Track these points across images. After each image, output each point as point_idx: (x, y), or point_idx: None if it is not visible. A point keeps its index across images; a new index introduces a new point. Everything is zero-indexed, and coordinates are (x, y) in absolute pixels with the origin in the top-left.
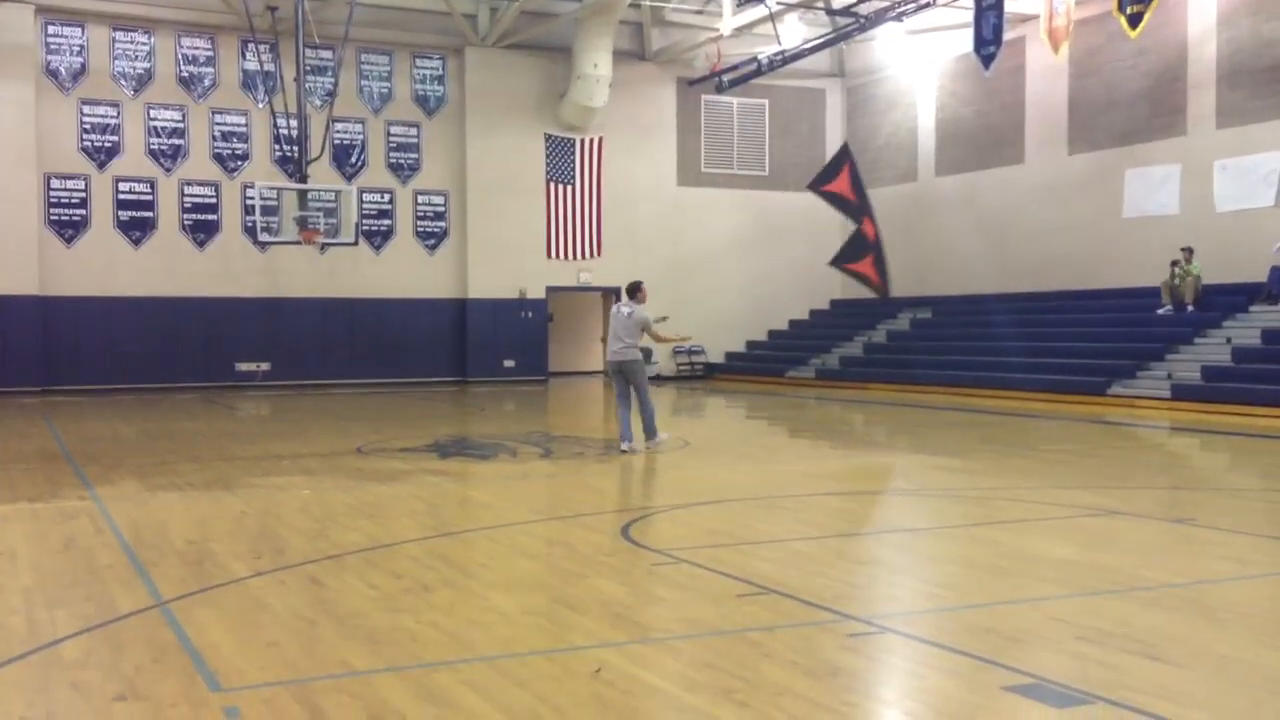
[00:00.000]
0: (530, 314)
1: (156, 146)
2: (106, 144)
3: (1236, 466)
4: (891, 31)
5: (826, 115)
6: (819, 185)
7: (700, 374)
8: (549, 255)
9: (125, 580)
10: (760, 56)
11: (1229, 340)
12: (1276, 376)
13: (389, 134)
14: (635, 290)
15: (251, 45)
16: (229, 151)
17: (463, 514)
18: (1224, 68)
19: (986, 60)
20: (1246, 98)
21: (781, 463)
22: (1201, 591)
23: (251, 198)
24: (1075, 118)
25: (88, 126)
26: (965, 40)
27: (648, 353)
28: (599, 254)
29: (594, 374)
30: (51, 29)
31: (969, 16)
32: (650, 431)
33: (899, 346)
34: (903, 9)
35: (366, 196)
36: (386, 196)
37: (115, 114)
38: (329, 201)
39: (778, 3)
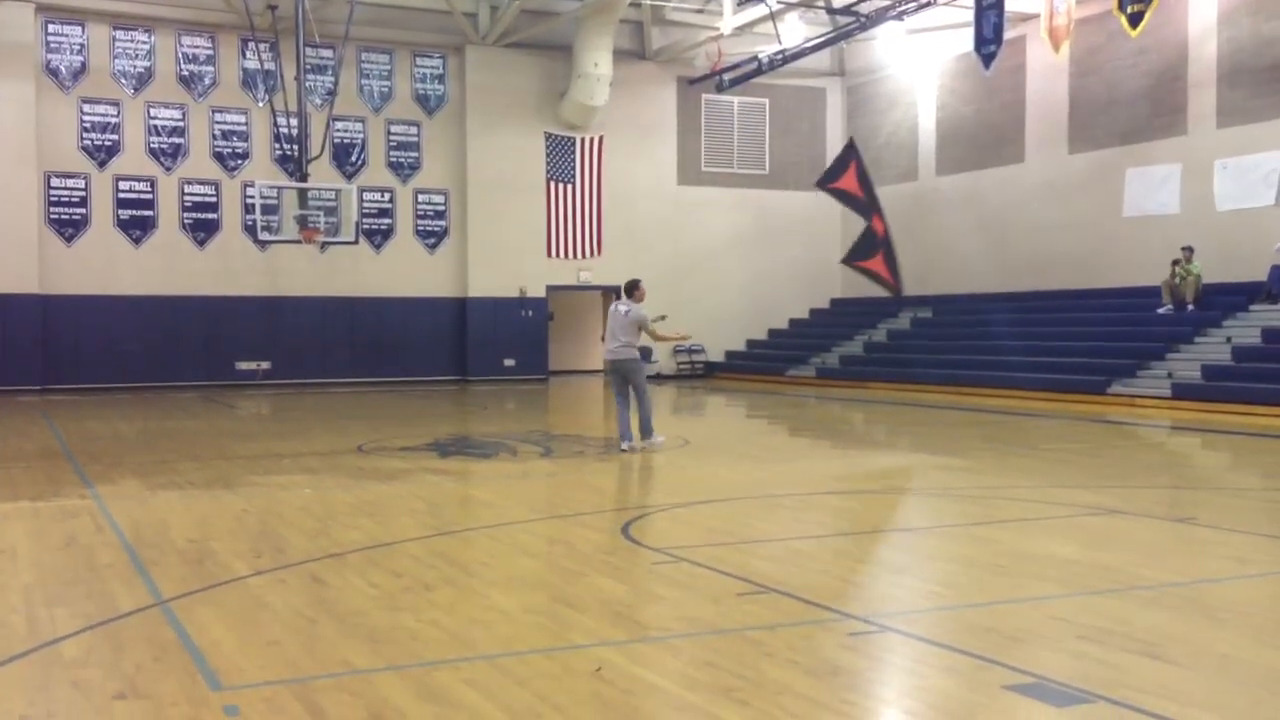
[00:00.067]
0: (530, 313)
1: (157, 145)
2: (107, 143)
3: (1237, 466)
4: (892, 31)
5: (827, 114)
6: (827, 183)
7: (700, 373)
8: (549, 254)
9: (126, 579)
10: (761, 55)
11: (1229, 339)
12: (1277, 375)
13: (389, 133)
14: (633, 289)
15: (252, 44)
16: (229, 150)
17: (463, 513)
18: (1224, 67)
19: (987, 59)
20: (1247, 97)
21: (782, 462)
22: (1202, 590)
23: (252, 196)
24: (1076, 117)
25: (88, 125)
26: (966, 39)
27: (648, 351)
28: (599, 253)
29: (594, 373)
30: (52, 28)
31: (969, 16)
32: (646, 430)
33: (899, 345)
34: (903, 8)
35: (367, 195)
36: (387, 195)
37: (115, 113)
38: (329, 200)
39: (778, 2)
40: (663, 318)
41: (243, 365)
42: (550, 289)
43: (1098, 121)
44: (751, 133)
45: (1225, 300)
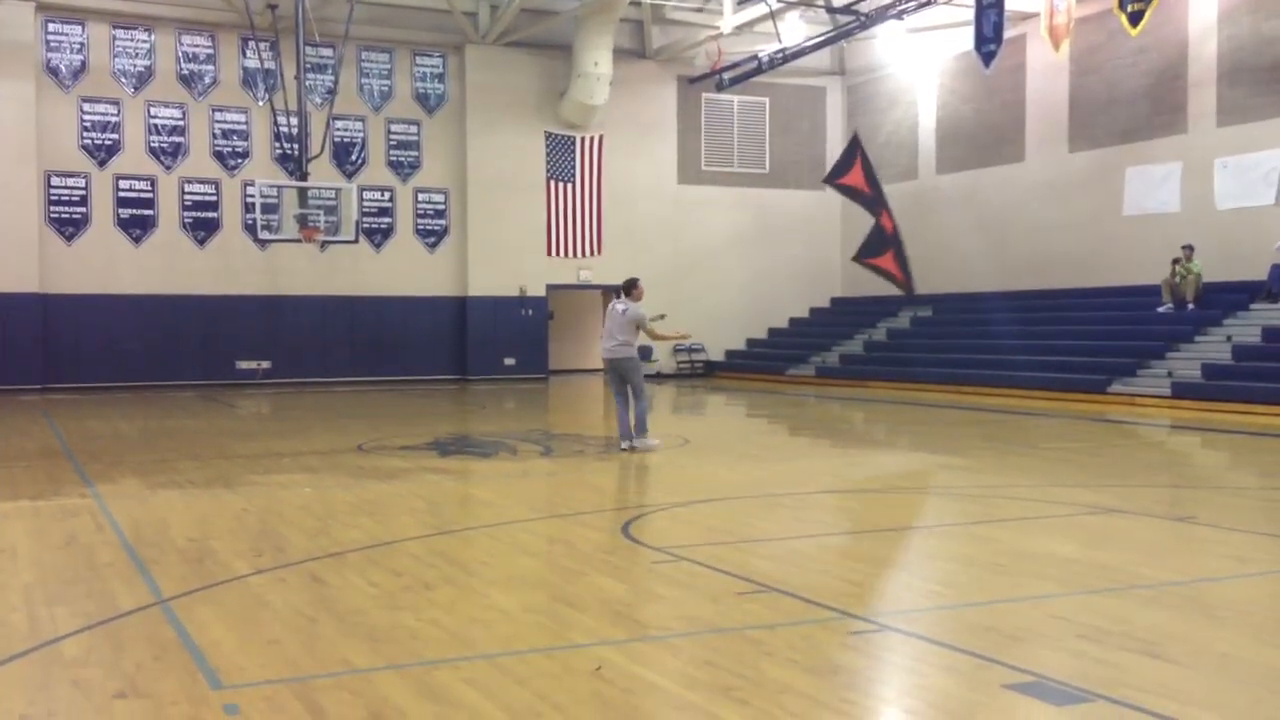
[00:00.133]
0: (530, 312)
1: (157, 144)
2: (107, 142)
3: (1237, 465)
4: (892, 29)
5: (827, 113)
6: (834, 179)
7: (701, 372)
8: (549, 253)
9: (126, 578)
10: (761, 54)
11: (1229, 338)
12: (1277, 375)
13: (389, 132)
14: (631, 287)
15: (252, 43)
16: (229, 149)
17: (463, 512)
18: (1224, 65)
19: (987, 58)
20: (1247, 95)
21: (782, 461)
22: (1201, 589)
23: (252, 195)
24: (1076, 116)
25: (88, 124)
26: (966, 38)
27: (648, 351)
28: (599, 252)
29: (594, 372)
30: (52, 26)
31: (970, 14)
32: (641, 429)
33: (899, 344)
34: (903, 7)
35: (367, 194)
36: (387, 194)
37: (115, 112)
38: (329, 199)
39: (778, 1)
40: (661, 316)
41: (243, 364)
42: (550, 288)
43: (1098, 120)
44: (752, 132)
45: (1225, 299)
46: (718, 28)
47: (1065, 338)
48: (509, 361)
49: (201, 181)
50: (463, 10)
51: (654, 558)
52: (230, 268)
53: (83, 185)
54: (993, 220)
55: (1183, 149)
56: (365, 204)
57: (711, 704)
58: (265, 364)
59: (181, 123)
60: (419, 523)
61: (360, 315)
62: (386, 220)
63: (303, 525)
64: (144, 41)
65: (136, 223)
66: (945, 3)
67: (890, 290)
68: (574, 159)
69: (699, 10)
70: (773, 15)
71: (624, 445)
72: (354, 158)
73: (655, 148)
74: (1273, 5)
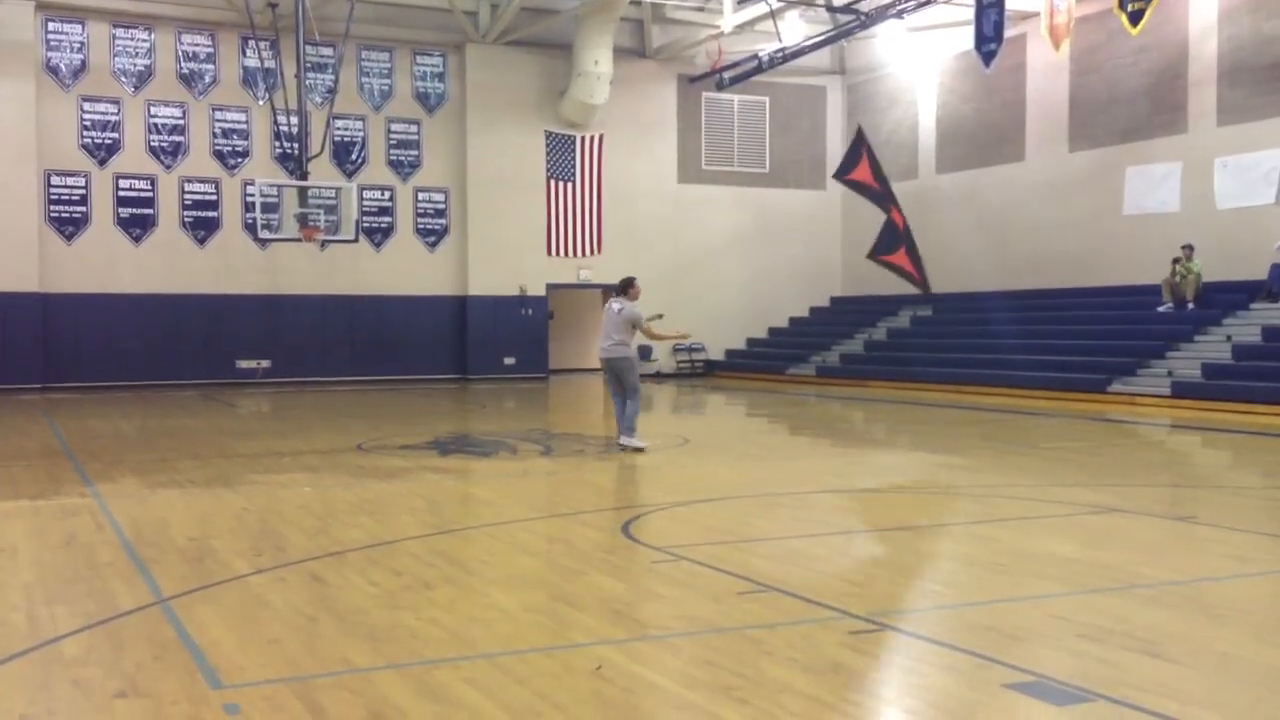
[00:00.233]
0: (531, 311)
1: (157, 143)
2: (107, 141)
3: (1237, 464)
4: (892, 29)
5: (827, 113)
6: (843, 174)
7: (701, 371)
8: (549, 252)
9: (126, 577)
10: (761, 54)
11: (1229, 338)
12: (1277, 374)
13: (389, 131)
14: (627, 287)
15: (252, 42)
16: (229, 148)
17: (463, 511)
18: (1225, 65)
19: (987, 57)
20: (1247, 95)
21: (782, 460)
22: (1202, 589)
23: (252, 195)
24: (1076, 115)
25: (88, 123)
26: (966, 38)
27: (647, 350)
28: (599, 251)
29: (595, 371)
30: (52, 26)
31: (970, 14)
32: (629, 429)
33: (899, 344)
34: (903, 6)
35: (367, 193)
36: (387, 193)
37: (115, 111)
38: (329, 199)
39: (778, 0)
40: (659, 316)
41: (243, 363)
42: (550, 287)
43: (1098, 120)
44: (752, 131)
45: (1225, 298)
46: (718, 27)
47: (1065, 337)
48: (509, 361)
49: (201, 181)
50: (463, 9)
51: (654, 557)
52: (230, 267)
53: (83, 184)
54: (993, 220)
55: (1183, 148)
56: (365, 203)
57: (711, 703)
58: (265, 363)
59: (181, 122)
60: (419, 522)
61: (360, 314)
62: (386, 219)
63: (303, 524)
64: (144, 40)
65: (136, 222)
66: (945, 2)
67: (890, 290)
68: (574, 158)
69: (699, 9)
70: (773, 14)
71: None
72: (354, 157)
73: (655, 147)
74: (1273, 5)
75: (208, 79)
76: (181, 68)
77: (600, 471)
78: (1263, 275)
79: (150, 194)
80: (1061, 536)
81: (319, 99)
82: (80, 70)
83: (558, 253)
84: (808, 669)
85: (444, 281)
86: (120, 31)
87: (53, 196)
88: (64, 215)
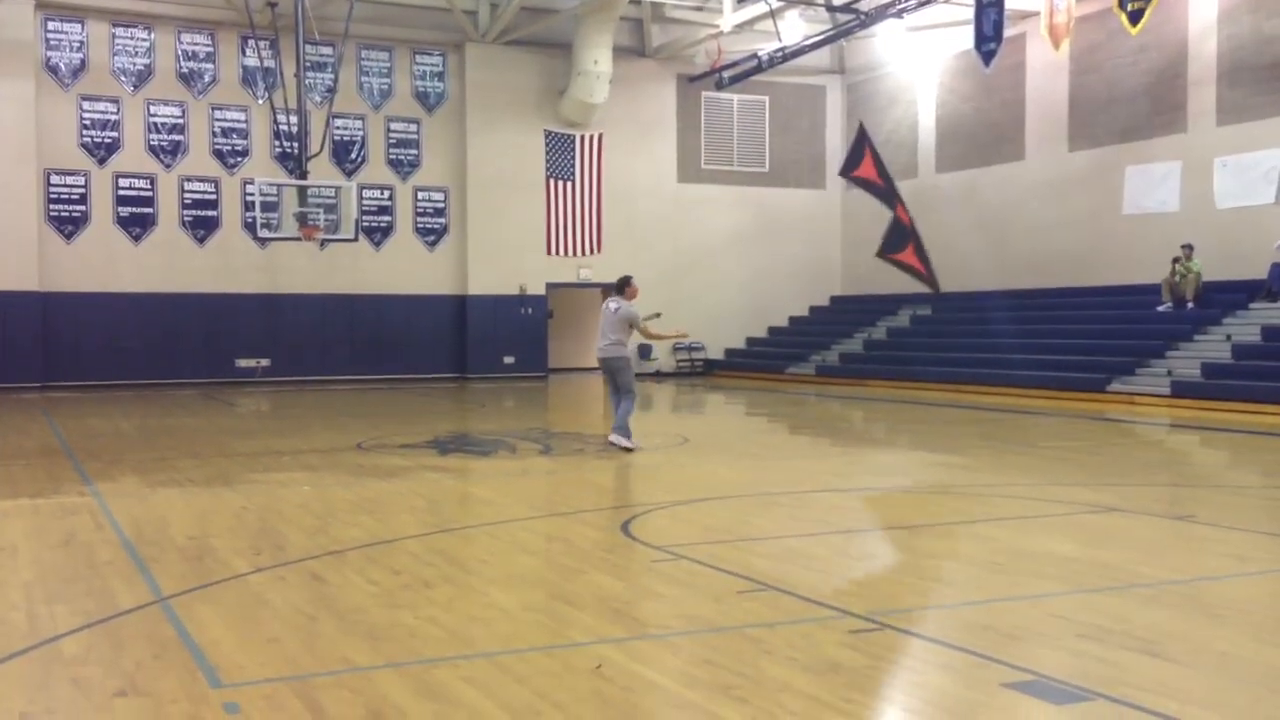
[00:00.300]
0: (530, 310)
1: (156, 142)
2: (106, 140)
3: (1236, 463)
4: (892, 28)
5: (827, 112)
6: (848, 171)
7: (700, 370)
8: (549, 252)
9: (126, 576)
10: (760, 53)
11: (1229, 337)
12: (1277, 374)
13: (389, 130)
14: (624, 286)
15: (251, 41)
16: (229, 148)
17: (462, 510)
18: (1224, 64)
19: (987, 57)
20: (1247, 95)
21: (781, 459)
22: (1201, 588)
23: (251, 194)
24: (1076, 114)
25: (87, 122)
26: (966, 37)
27: (647, 349)
28: (599, 250)
29: (594, 370)
30: (51, 25)
31: (970, 13)
32: (619, 428)
33: (899, 343)
34: (903, 5)
35: (366, 193)
36: (386, 193)
37: (115, 110)
38: (329, 198)
39: (778, 0)
40: (657, 315)
41: (242, 362)
42: (550, 286)
43: (1098, 119)
44: (751, 130)
45: (1225, 298)
46: (717, 26)
47: (1065, 336)
48: (508, 360)
49: (201, 180)
50: (462, 8)
51: (653, 556)
52: (230, 266)
53: (82, 183)
54: (992, 219)
55: (1182, 148)
56: (365, 202)
57: (711, 702)
58: (265, 362)
59: (181, 121)
60: (418, 521)
61: (360, 313)
62: (386, 219)
63: (302, 523)
64: (143, 40)
65: (136, 221)
66: (945, 1)
67: (890, 289)
68: (574, 157)
69: (699, 9)
70: (772, 14)
71: (633, 444)
72: (354, 156)
73: (655, 146)
74: (1273, 4)
75: (207, 78)
76: (181, 67)
77: (600, 470)
78: (1262, 275)
79: (150, 193)
80: (1061, 536)
81: (318, 98)
82: (80, 69)
83: (557, 252)
84: (807, 668)
85: (444, 281)
86: (120, 31)
87: (52, 195)
88: (64, 214)
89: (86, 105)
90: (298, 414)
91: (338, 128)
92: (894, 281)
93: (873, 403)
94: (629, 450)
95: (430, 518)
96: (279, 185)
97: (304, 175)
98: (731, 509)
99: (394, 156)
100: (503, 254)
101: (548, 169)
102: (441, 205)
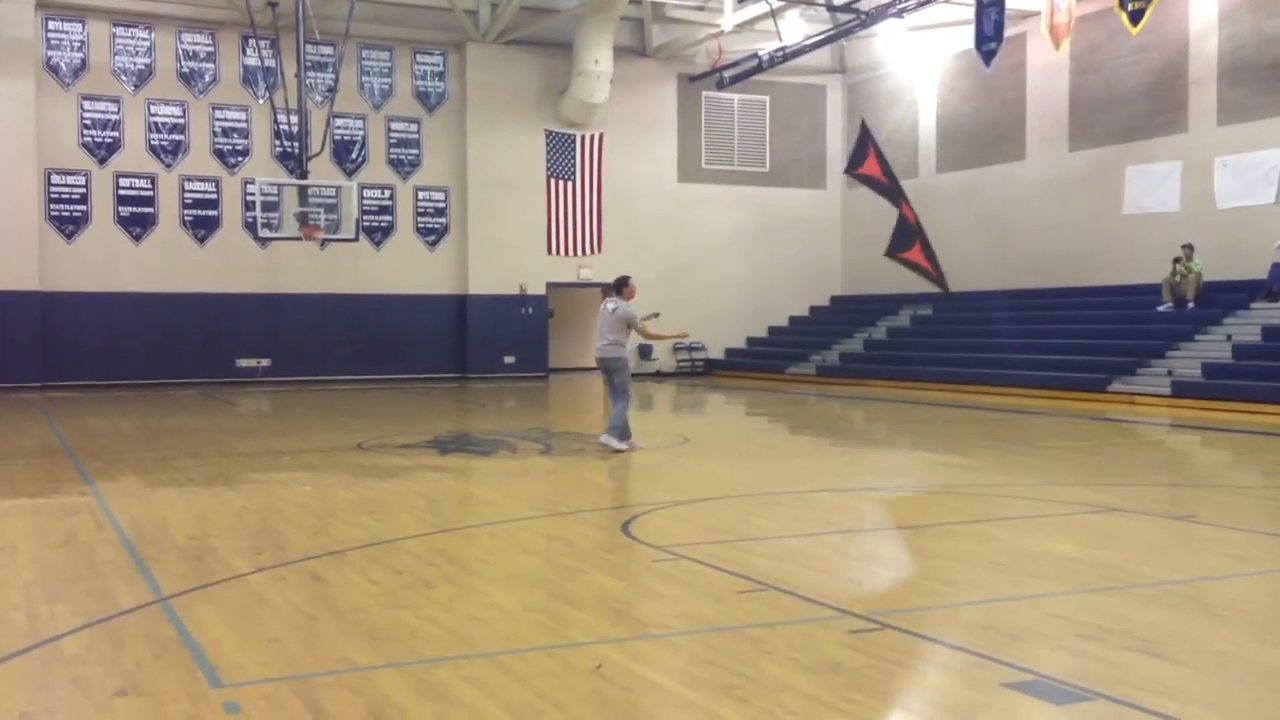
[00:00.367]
0: (531, 310)
1: (157, 142)
2: (107, 140)
3: (1237, 463)
4: (892, 28)
5: (827, 112)
6: (853, 169)
7: (701, 370)
8: (549, 251)
9: (126, 576)
10: (761, 53)
11: (1229, 337)
12: (1277, 374)
13: (389, 130)
14: (621, 286)
15: (252, 41)
16: (229, 147)
17: (463, 510)
18: (1225, 64)
19: (987, 57)
20: (1247, 94)
21: (781, 459)
22: (1201, 588)
23: (252, 193)
24: (1076, 114)
25: (88, 122)
26: (966, 37)
27: (648, 348)
28: (599, 250)
29: (594, 370)
30: (52, 24)
31: (970, 13)
32: (614, 429)
33: (899, 343)
34: (903, 5)
35: (367, 192)
36: (387, 192)
37: (116, 110)
38: (329, 197)
39: None
40: (655, 315)
41: (243, 362)
42: (550, 286)
43: (1098, 119)
44: (752, 130)
45: (1226, 298)
46: (718, 26)
47: (1065, 336)
48: (509, 360)
49: (202, 179)
50: (463, 8)
51: (654, 556)
52: (230, 266)
53: (83, 183)
54: (993, 219)
55: (1183, 148)
56: (365, 202)
57: (711, 702)
58: (265, 362)
59: (182, 120)
60: (419, 521)
61: (360, 313)
62: (387, 218)
63: (303, 523)
64: (144, 39)
65: (137, 220)
66: (945, 1)
67: (890, 289)
68: (574, 157)
69: (699, 8)
70: (773, 13)
71: (623, 445)
72: (354, 156)
73: (655, 146)
74: (1273, 4)
75: (208, 78)
76: (182, 66)
77: (600, 470)
78: (1263, 275)
79: (150, 193)
80: (1061, 536)
81: (319, 98)
82: (80, 69)
83: (558, 252)
84: (807, 668)
85: (444, 280)
86: (120, 30)
87: (53, 195)
88: (64, 214)
89: (87, 105)
90: (298, 414)
91: (338, 127)
92: (895, 281)
93: (873, 403)
94: (619, 451)
95: (431, 518)
96: (279, 185)
97: (304, 175)
98: (732, 509)
99: (394, 156)
100: (503, 254)
101: (548, 169)
102: (442, 205)
